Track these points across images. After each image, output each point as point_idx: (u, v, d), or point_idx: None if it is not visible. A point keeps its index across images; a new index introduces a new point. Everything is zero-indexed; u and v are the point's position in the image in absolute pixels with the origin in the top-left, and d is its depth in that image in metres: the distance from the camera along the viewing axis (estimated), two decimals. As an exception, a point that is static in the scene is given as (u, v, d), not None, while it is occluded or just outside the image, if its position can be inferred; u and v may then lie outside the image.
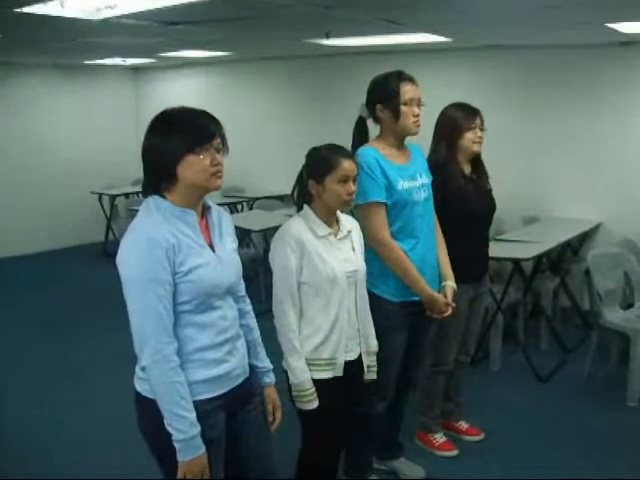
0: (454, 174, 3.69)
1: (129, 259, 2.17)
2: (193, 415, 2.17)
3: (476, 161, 3.82)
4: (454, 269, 3.54)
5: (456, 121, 3.73)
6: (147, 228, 2.17)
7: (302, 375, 2.81)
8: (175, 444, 2.15)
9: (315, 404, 2.84)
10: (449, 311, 3.44)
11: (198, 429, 2.17)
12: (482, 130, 3.75)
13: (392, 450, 3.84)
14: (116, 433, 4.22)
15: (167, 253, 2.13)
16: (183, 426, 2.14)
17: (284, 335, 2.81)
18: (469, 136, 3.70)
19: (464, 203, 3.67)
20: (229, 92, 9.36)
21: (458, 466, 3.92)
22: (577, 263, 6.41)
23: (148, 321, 2.14)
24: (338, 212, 2.94)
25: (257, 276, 6.82)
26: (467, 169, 3.79)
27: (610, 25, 5.03)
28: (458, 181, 3.69)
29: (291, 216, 2.98)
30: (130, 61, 9.31)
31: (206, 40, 6.40)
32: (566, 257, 6.42)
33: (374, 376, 3.06)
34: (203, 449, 2.19)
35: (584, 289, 6.42)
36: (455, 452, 4.03)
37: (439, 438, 4.07)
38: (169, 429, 2.15)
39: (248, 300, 2.54)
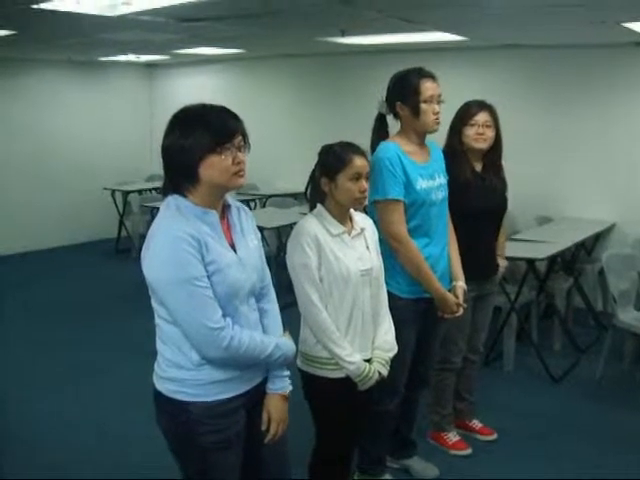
0: (462, 166, 3.68)
1: (157, 263, 2.12)
2: (272, 345, 2.29)
3: (489, 161, 3.80)
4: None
5: (459, 114, 3.76)
6: (169, 227, 2.13)
7: (354, 361, 2.80)
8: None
9: (377, 375, 2.85)
10: (460, 311, 3.43)
11: (281, 349, 2.34)
12: (488, 127, 3.71)
13: (405, 448, 3.84)
14: (132, 426, 4.26)
15: (194, 246, 2.09)
16: (275, 355, 2.31)
17: (324, 331, 2.77)
18: (467, 132, 3.70)
19: (467, 198, 3.65)
20: (243, 90, 9.37)
21: (472, 465, 3.92)
22: (591, 264, 6.40)
23: (195, 318, 2.12)
24: (351, 210, 2.92)
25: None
26: (478, 167, 3.78)
27: (626, 25, 5.01)
28: (466, 174, 3.68)
29: (305, 214, 2.96)
30: (144, 58, 9.33)
31: (221, 37, 6.40)
32: (580, 257, 6.40)
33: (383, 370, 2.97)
34: None
35: (597, 290, 6.43)
36: (469, 451, 4.02)
37: (452, 437, 4.06)
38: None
39: (271, 296, 2.49)
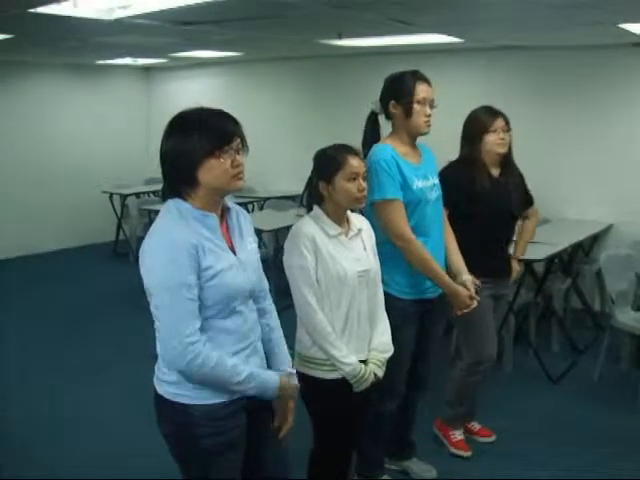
0: (480, 174, 3.75)
1: (154, 265, 2.13)
2: (245, 373, 2.21)
3: (505, 164, 3.87)
4: (475, 265, 3.54)
5: (478, 123, 3.81)
6: (169, 231, 2.14)
7: (349, 363, 2.79)
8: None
9: (372, 377, 2.85)
10: (474, 304, 3.40)
11: (256, 380, 2.24)
12: (507, 132, 3.80)
13: (404, 450, 3.83)
14: (131, 428, 4.27)
15: (192, 254, 2.10)
16: (248, 384, 2.22)
17: (320, 332, 2.77)
18: (490, 138, 3.77)
19: (485, 203, 3.72)
20: (240, 92, 9.37)
21: (470, 467, 3.92)
22: (588, 264, 6.40)
23: (172, 324, 2.11)
24: (348, 211, 2.92)
25: (267, 276, 6.81)
26: (495, 171, 3.84)
27: (623, 26, 5.02)
28: (484, 181, 3.74)
29: (302, 216, 2.95)
30: (141, 61, 9.33)
31: (218, 40, 6.41)
32: (577, 258, 6.41)
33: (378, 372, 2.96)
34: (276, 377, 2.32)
35: (595, 290, 6.43)
36: (469, 454, 4.01)
37: (457, 435, 4.06)
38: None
39: (270, 300, 2.51)
